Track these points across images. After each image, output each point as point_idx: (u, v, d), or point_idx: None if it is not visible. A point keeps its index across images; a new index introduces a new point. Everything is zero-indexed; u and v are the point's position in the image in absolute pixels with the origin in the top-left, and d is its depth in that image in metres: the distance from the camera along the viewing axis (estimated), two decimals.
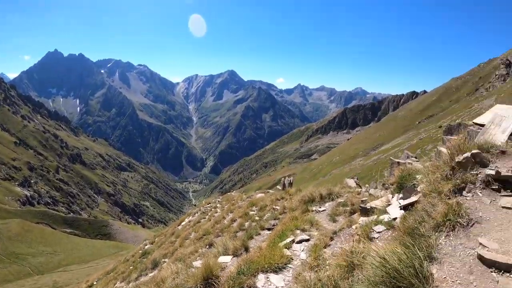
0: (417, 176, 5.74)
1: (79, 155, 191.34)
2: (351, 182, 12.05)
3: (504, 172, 3.82)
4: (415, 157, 7.94)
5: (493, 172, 3.88)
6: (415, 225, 3.75)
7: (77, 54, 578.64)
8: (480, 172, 4.04)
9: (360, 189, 10.65)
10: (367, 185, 11.47)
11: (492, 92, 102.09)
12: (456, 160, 4.26)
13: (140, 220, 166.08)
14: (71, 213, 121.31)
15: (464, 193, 4.03)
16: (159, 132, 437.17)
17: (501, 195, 3.89)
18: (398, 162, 7.49)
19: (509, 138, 4.75)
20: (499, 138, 4.83)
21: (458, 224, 3.47)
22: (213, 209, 18.51)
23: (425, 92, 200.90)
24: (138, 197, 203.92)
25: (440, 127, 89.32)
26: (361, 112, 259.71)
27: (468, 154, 4.12)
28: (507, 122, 5.00)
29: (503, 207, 3.77)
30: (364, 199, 7.94)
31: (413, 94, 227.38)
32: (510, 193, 3.84)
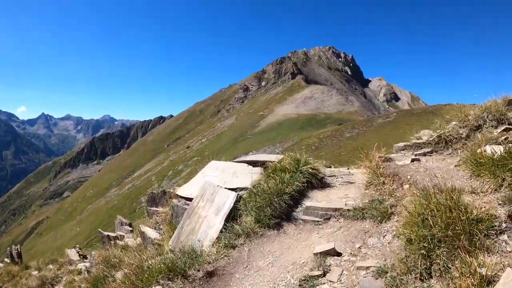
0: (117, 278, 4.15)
1: None
2: (73, 254, 9.93)
3: None
4: (130, 225, 6.16)
5: None
6: None
7: None
8: None
9: (82, 264, 8.80)
10: (93, 252, 9.45)
11: (232, 112, 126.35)
12: None
13: None
14: None
15: None
16: None
17: None
18: (108, 236, 5.22)
19: (224, 226, 3.29)
20: (213, 223, 3.35)
21: None
22: None
23: (171, 116, 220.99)
24: None
25: (188, 147, 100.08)
26: (110, 141, 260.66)
27: None
28: (222, 196, 3.55)
29: None
30: None
31: (161, 119, 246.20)
32: None
